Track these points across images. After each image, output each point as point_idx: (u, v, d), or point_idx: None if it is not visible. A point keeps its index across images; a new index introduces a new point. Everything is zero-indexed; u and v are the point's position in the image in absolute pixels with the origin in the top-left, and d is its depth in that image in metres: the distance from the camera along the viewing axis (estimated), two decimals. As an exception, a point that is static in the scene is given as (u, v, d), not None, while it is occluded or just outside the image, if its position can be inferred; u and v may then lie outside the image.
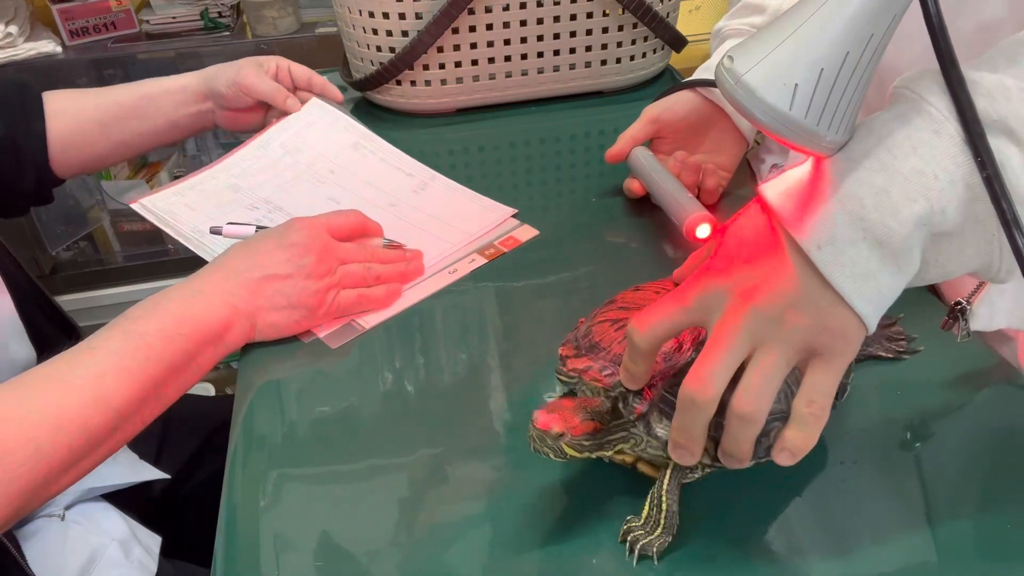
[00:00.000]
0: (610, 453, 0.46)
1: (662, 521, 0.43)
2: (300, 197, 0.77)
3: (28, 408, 0.48)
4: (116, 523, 0.69)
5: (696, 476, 0.45)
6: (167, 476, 0.75)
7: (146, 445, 0.80)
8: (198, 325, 0.55)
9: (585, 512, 0.46)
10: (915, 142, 0.37)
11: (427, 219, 0.72)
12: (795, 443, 0.39)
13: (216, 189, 0.78)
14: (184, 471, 0.84)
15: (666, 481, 0.44)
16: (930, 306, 0.61)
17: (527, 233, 0.72)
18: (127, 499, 0.73)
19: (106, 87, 0.82)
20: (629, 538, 0.43)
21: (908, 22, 0.36)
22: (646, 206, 0.75)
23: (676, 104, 0.75)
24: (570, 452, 0.44)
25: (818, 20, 0.36)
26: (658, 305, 0.41)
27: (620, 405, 0.45)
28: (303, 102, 0.85)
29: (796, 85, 0.36)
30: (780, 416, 0.41)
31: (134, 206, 0.77)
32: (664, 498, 0.43)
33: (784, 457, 0.40)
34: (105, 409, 0.50)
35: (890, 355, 0.55)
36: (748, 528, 0.45)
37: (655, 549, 0.43)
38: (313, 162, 0.81)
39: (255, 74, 0.81)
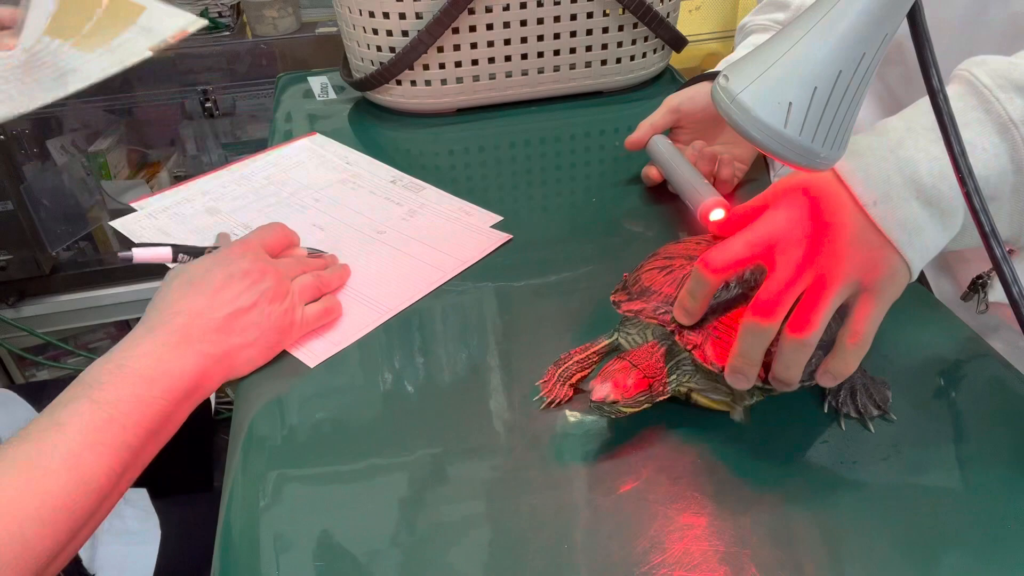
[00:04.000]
0: (667, 397, 0.50)
1: None
2: (283, 223, 0.75)
3: (8, 501, 0.44)
4: None
5: (751, 401, 0.50)
6: None
7: None
8: (172, 383, 0.51)
9: (585, 514, 0.46)
10: (968, 119, 0.43)
11: (417, 246, 0.71)
12: (837, 369, 0.46)
13: (193, 213, 0.77)
14: None
15: (734, 414, 0.50)
16: (930, 309, 0.61)
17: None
18: None
19: None
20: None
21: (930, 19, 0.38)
22: (646, 206, 0.75)
23: (696, 95, 0.76)
24: (629, 410, 0.49)
25: (811, 40, 0.37)
26: (726, 245, 0.46)
27: (676, 338, 0.49)
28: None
29: (790, 103, 0.37)
30: (822, 345, 0.46)
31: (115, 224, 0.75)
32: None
33: (827, 379, 0.46)
34: (88, 491, 0.46)
35: (855, 414, 0.52)
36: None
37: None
38: (296, 192, 0.80)
39: None
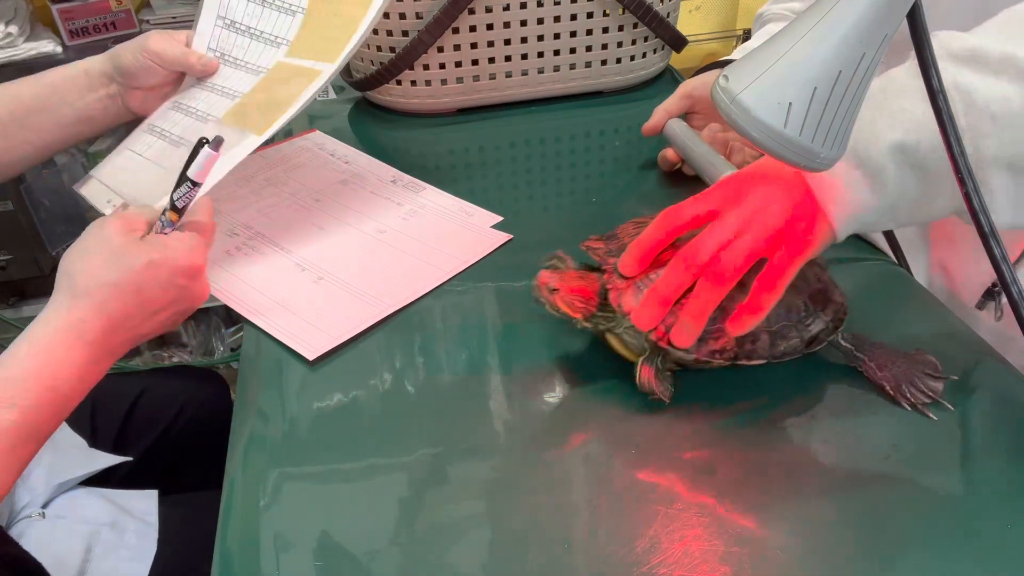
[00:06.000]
0: (591, 326, 0.54)
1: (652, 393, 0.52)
2: (283, 223, 0.75)
3: None
4: (99, 507, 0.69)
5: (655, 363, 0.52)
6: (128, 459, 0.75)
7: (107, 433, 0.80)
8: (85, 392, 0.54)
9: (585, 514, 0.46)
10: (903, 87, 0.46)
11: (417, 246, 0.71)
12: (747, 315, 0.48)
13: None
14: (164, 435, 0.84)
15: (639, 370, 0.52)
16: (928, 309, 0.61)
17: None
18: (107, 470, 0.72)
19: (6, 82, 0.74)
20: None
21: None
22: (646, 207, 0.75)
23: (710, 80, 0.78)
24: (561, 306, 0.53)
25: (811, 40, 0.37)
26: (682, 203, 0.50)
27: (605, 277, 0.53)
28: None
29: (790, 104, 0.37)
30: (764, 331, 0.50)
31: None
32: (641, 381, 0.52)
33: (734, 327, 0.49)
34: None
35: (904, 403, 0.51)
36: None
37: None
38: (296, 192, 0.80)
39: (163, 39, 0.74)
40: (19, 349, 0.52)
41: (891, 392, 0.51)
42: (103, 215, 0.68)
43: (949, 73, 0.44)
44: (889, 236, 0.68)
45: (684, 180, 0.79)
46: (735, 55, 0.79)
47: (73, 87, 0.74)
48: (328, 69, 0.69)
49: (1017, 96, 0.43)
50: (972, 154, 0.44)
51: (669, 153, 0.79)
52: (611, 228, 0.74)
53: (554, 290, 0.52)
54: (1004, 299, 0.57)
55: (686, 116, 0.80)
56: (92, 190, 0.75)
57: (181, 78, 0.78)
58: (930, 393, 0.51)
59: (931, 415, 0.50)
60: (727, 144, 0.76)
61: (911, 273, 0.66)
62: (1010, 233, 0.49)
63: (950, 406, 0.51)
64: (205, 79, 0.77)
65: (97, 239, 0.57)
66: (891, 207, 0.47)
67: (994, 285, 0.57)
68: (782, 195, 0.47)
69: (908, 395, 0.51)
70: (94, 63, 0.75)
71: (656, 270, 0.51)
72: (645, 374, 0.51)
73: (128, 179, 0.74)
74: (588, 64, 0.94)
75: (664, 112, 0.79)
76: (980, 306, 0.57)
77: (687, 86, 0.79)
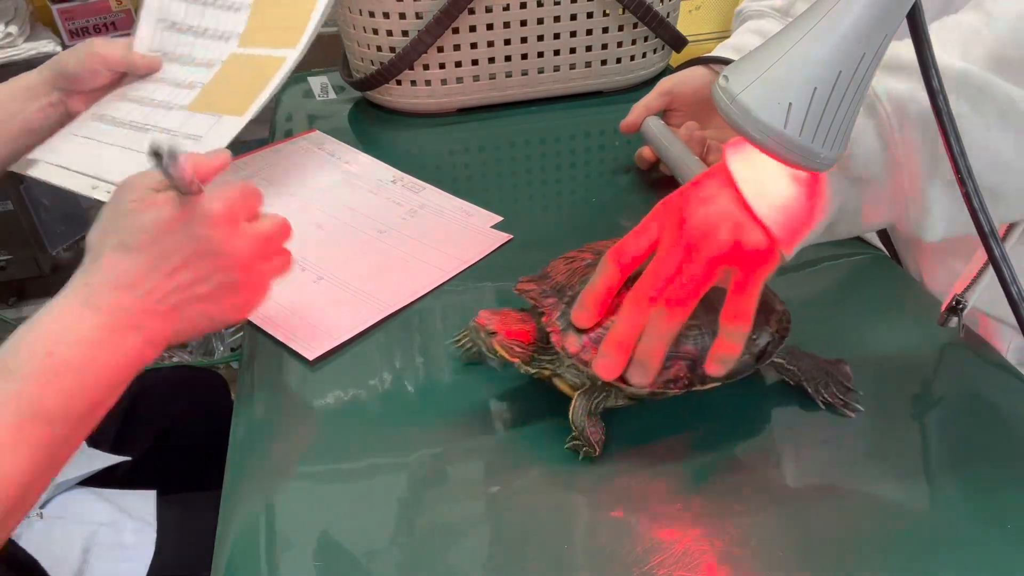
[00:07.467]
0: (534, 371, 0.51)
1: (582, 439, 0.49)
2: None
3: None
4: (97, 507, 0.69)
5: (609, 404, 0.50)
6: (127, 459, 0.75)
7: (105, 433, 0.80)
8: (105, 375, 0.47)
9: (585, 514, 0.46)
10: None
11: (417, 246, 0.71)
12: (721, 353, 0.46)
13: None
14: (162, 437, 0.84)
15: (573, 405, 0.49)
16: (924, 308, 0.61)
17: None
18: (106, 470, 0.72)
19: None
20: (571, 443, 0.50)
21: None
22: (646, 207, 0.75)
23: (689, 78, 0.78)
24: (500, 352, 0.50)
25: (810, 40, 0.37)
26: (625, 237, 0.48)
27: (544, 319, 0.50)
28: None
29: (790, 104, 0.37)
30: (693, 356, 0.48)
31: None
32: (574, 418, 0.49)
33: (716, 368, 0.46)
34: (3, 490, 0.42)
35: (820, 401, 0.52)
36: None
37: (580, 455, 0.49)
38: (296, 192, 0.80)
39: (106, 43, 0.77)
40: (28, 322, 0.47)
41: (812, 392, 0.52)
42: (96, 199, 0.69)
43: (880, 82, 0.43)
44: (881, 233, 0.68)
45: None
46: (717, 52, 0.79)
47: (14, 101, 0.75)
48: (292, 54, 0.71)
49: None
50: (905, 168, 0.43)
51: (646, 152, 0.79)
52: (610, 228, 0.74)
53: (492, 333, 0.49)
54: (966, 312, 0.56)
55: (665, 113, 0.80)
56: (67, 180, 0.75)
57: (121, 79, 0.81)
58: (843, 397, 0.52)
59: (850, 413, 0.51)
60: (704, 143, 0.75)
61: (901, 265, 0.66)
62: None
63: (860, 407, 0.51)
64: (152, 76, 0.80)
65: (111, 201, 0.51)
66: (833, 222, 0.46)
67: (956, 302, 0.55)
68: (724, 217, 0.44)
69: (825, 394, 0.52)
70: (32, 75, 0.77)
71: (608, 317, 0.48)
72: (581, 411, 0.49)
73: (110, 157, 0.75)
74: (588, 64, 0.94)
75: (643, 109, 0.78)
76: (944, 322, 0.55)
77: (666, 83, 0.78)
